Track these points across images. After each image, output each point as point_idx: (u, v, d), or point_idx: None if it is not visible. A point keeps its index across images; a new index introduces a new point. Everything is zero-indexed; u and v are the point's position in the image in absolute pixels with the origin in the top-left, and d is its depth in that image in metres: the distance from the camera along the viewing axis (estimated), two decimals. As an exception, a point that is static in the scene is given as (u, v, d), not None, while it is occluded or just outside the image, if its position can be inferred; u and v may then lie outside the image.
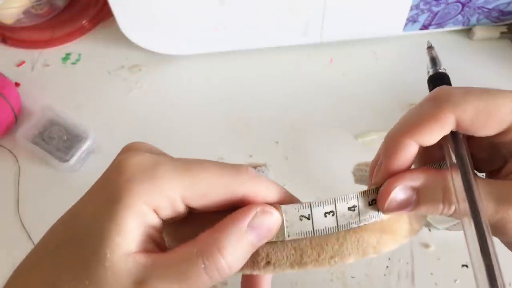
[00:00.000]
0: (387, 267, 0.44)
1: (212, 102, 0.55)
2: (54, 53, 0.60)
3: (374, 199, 0.24)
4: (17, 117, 0.53)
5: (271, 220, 0.22)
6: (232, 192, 0.22)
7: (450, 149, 0.24)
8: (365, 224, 0.24)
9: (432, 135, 0.23)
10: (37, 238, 0.46)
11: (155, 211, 0.21)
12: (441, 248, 0.45)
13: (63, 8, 0.61)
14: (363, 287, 0.44)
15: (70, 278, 0.20)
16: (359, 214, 0.23)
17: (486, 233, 0.21)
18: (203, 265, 0.20)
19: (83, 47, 0.60)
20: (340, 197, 0.23)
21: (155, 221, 0.21)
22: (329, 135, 0.52)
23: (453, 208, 0.23)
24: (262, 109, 0.55)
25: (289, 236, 0.23)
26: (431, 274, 0.44)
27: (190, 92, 0.56)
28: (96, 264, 0.20)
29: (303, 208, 0.23)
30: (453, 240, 0.45)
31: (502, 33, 0.58)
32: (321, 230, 0.23)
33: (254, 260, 0.23)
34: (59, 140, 0.50)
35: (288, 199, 0.24)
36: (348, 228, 0.23)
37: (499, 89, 0.23)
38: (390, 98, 0.54)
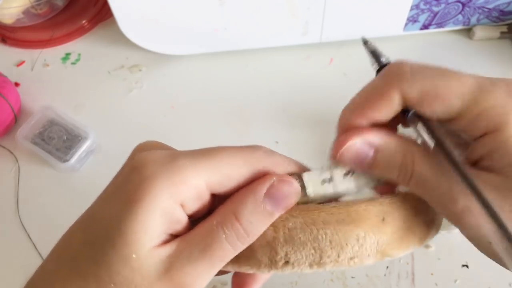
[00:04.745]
0: (387, 267, 0.44)
1: (212, 102, 0.55)
2: (54, 53, 0.60)
3: None
4: (17, 117, 0.53)
5: (288, 189, 0.22)
6: (253, 169, 0.22)
7: (421, 130, 0.22)
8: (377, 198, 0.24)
9: (381, 112, 0.22)
10: (37, 238, 0.46)
11: (182, 206, 0.21)
12: (441, 248, 0.45)
13: (63, 8, 0.61)
14: (363, 287, 0.44)
15: (95, 284, 0.20)
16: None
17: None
18: (224, 235, 0.21)
19: (83, 47, 0.60)
20: None
21: (181, 216, 0.21)
22: (329, 135, 0.52)
23: (408, 177, 0.22)
24: (262, 109, 0.55)
25: (312, 201, 0.24)
26: (431, 274, 0.44)
27: (190, 92, 0.56)
28: (121, 266, 0.20)
29: (323, 172, 0.24)
30: (453, 240, 0.45)
31: (502, 33, 0.58)
32: (342, 191, 0.24)
33: (272, 259, 0.23)
34: (59, 140, 0.50)
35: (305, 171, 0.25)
36: (367, 187, 0.24)
37: (457, 71, 0.22)
38: (390, 98, 0.54)
